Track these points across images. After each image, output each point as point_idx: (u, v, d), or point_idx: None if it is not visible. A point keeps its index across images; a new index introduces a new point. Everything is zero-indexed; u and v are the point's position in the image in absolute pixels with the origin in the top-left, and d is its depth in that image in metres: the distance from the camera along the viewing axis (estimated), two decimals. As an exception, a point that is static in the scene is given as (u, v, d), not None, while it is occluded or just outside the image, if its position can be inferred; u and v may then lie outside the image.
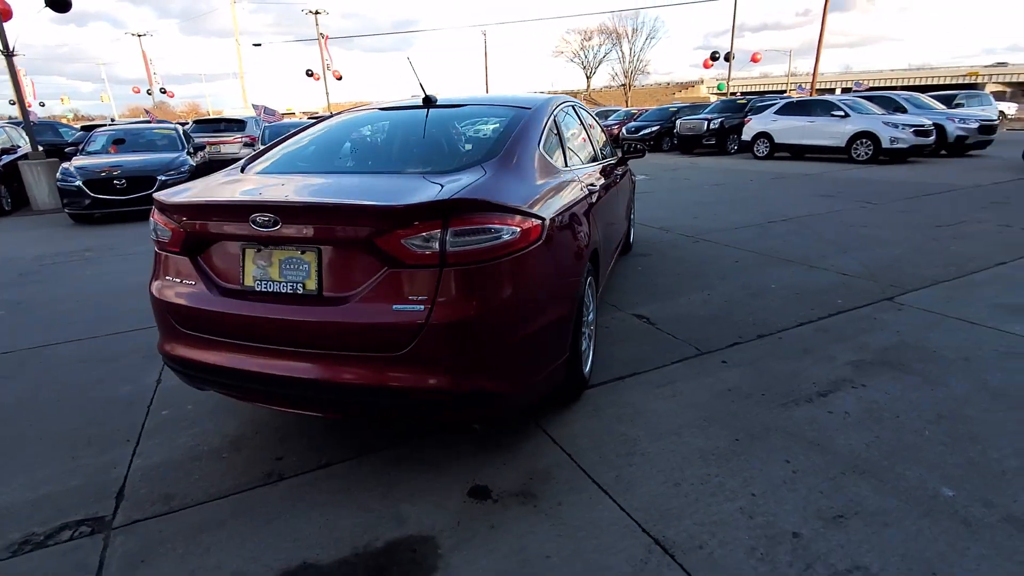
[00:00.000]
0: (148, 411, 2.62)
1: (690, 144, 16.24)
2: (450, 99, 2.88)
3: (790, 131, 13.25)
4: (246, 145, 13.52)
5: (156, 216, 2.11)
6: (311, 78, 29.69)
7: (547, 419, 2.40)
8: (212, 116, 23.79)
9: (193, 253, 2.02)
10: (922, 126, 11.58)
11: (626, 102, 50.81)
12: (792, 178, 10.14)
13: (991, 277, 4.13)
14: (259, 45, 78.39)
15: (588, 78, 63.71)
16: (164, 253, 2.11)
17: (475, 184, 1.92)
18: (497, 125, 2.58)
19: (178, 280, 2.06)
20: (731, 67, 22.00)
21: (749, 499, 1.88)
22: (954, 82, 47.68)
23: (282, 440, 2.36)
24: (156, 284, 2.14)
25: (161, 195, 2.07)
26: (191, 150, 9.78)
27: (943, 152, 12.66)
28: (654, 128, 17.44)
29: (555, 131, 2.73)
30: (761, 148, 13.91)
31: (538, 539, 1.76)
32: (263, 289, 1.91)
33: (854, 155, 12.03)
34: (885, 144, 11.54)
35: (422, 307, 1.73)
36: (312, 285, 1.85)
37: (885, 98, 13.66)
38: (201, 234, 1.98)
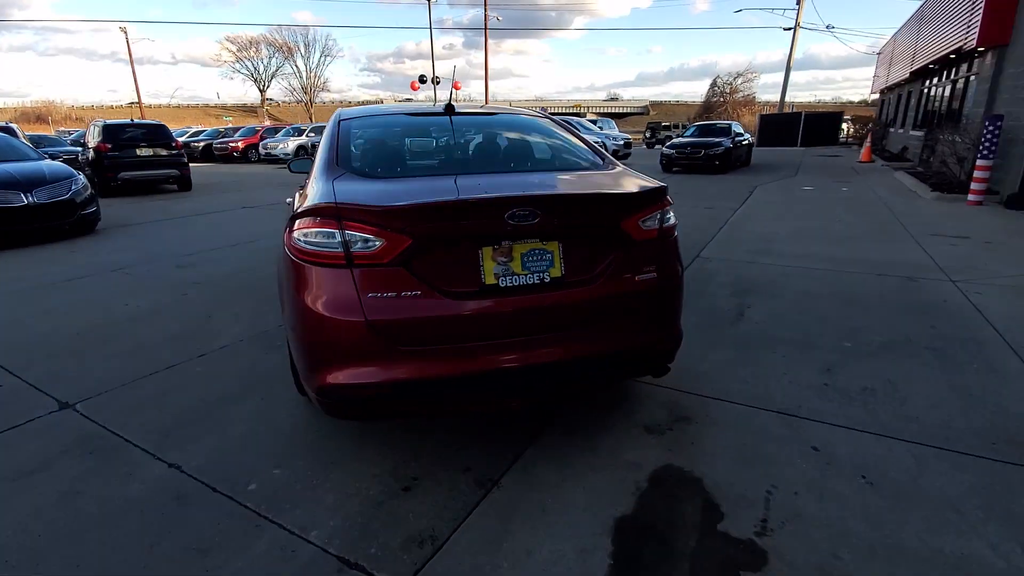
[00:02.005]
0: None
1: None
2: (465, 107, 3.02)
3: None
4: None
5: (358, 227, 1.78)
6: None
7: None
8: None
9: (409, 261, 1.81)
10: (626, 139, 15.59)
11: (310, 117, 49.25)
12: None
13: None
14: None
15: (262, 91, 58.99)
16: (366, 267, 1.81)
17: (647, 177, 2.34)
18: (549, 129, 2.92)
19: (392, 294, 1.80)
20: (435, 90, 24.36)
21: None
22: (565, 111, 63.75)
23: (419, 456, 2.23)
24: (348, 303, 1.80)
25: (368, 202, 1.79)
26: None
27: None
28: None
29: None
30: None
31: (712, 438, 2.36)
32: (507, 284, 1.90)
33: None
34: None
35: (654, 274, 2.10)
36: (557, 272, 1.96)
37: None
38: (431, 238, 1.81)
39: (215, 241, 6.56)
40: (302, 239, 1.89)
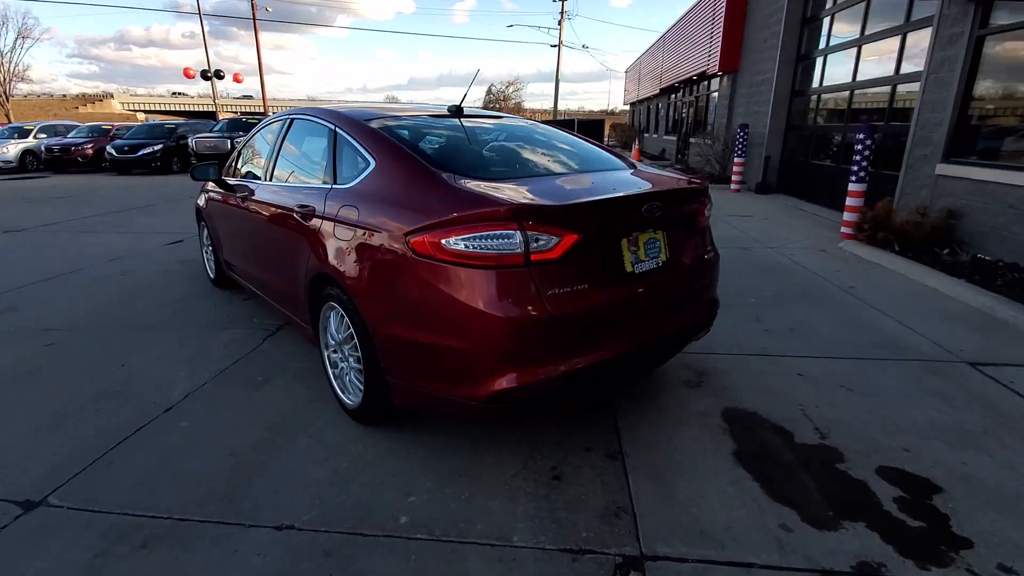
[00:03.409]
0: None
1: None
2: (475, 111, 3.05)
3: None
4: None
5: (535, 227, 1.77)
6: None
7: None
8: None
9: (574, 256, 1.88)
10: None
11: (8, 117, 37.47)
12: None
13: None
14: None
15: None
16: (542, 265, 1.82)
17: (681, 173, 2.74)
18: (567, 135, 3.11)
19: (566, 288, 1.86)
20: (214, 85, 20.93)
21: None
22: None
23: (536, 449, 2.32)
24: (532, 301, 1.80)
25: (545, 202, 1.78)
26: None
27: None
28: (156, 147, 15.01)
29: None
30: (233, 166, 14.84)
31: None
32: (639, 271, 2.12)
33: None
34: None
35: (713, 253, 2.54)
36: (664, 257, 2.25)
37: None
38: (590, 233, 1.91)
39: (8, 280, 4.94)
40: (466, 243, 1.81)
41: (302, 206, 2.59)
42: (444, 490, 2.06)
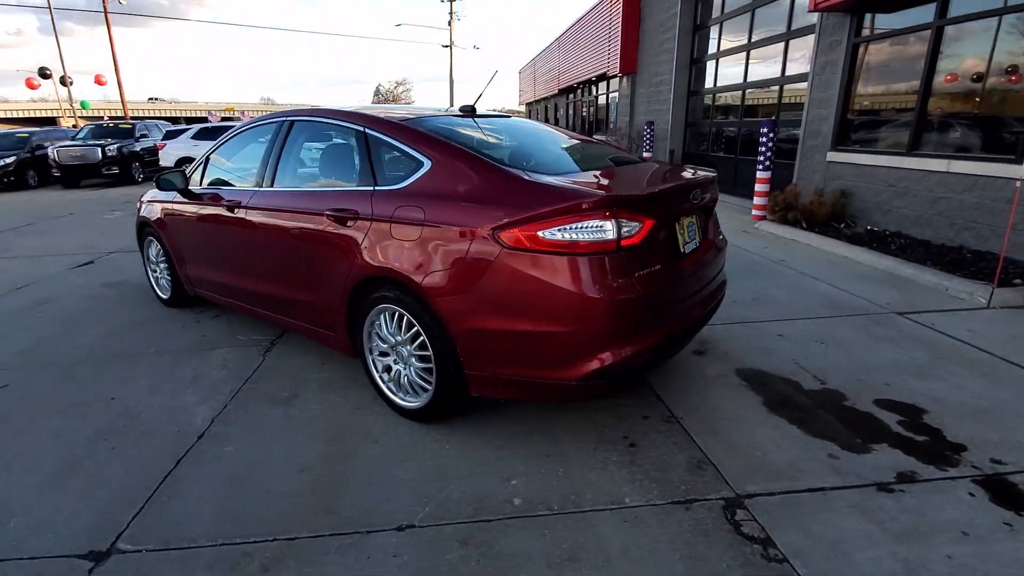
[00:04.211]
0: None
1: (78, 175, 13.25)
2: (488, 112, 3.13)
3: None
4: None
5: (624, 214, 1.92)
6: None
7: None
8: None
9: (649, 240, 2.07)
10: None
11: None
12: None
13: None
14: None
15: None
16: (629, 250, 1.98)
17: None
18: (565, 132, 3.27)
19: (647, 270, 2.05)
20: (69, 89, 17.99)
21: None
22: (220, 112, 57.21)
23: (599, 425, 2.51)
24: (626, 284, 1.96)
25: (630, 192, 1.93)
26: None
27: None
28: (8, 160, 12.82)
29: None
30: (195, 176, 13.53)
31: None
32: (687, 251, 2.36)
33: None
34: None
35: (722, 235, 2.87)
36: (699, 238, 2.52)
37: None
38: (660, 218, 2.11)
39: None
40: (563, 233, 1.93)
41: (338, 210, 2.52)
42: (539, 471, 2.16)
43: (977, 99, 5.07)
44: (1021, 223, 4.41)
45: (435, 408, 2.40)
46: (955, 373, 2.94)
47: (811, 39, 7.04)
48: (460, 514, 1.93)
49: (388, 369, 2.56)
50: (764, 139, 7.00)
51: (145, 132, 14.45)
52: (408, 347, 2.41)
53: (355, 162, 2.62)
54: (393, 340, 2.47)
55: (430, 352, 2.29)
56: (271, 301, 3.10)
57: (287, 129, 3.00)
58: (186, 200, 3.58)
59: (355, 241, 2.44)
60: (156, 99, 59.46)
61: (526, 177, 2.13)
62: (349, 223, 2.47)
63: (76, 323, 3.89)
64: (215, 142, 3.63)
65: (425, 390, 2.42)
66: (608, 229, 1.96)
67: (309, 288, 2.77)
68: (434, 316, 2.21)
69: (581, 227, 1.94)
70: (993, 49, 4.86)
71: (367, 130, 2.59)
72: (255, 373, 3.06)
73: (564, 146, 2.96)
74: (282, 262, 2.90)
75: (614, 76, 13.97)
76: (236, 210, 3.11)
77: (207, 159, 3.60)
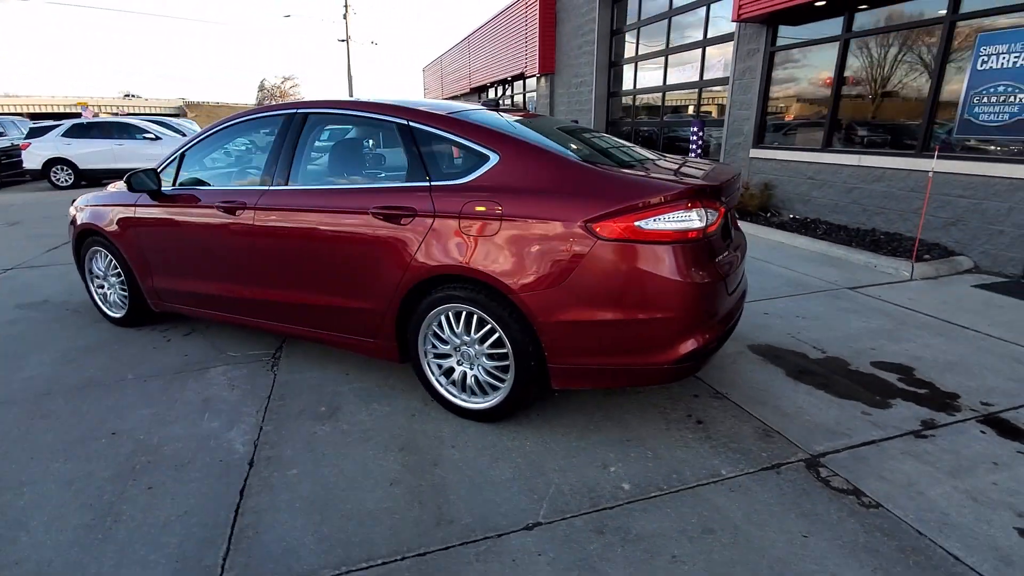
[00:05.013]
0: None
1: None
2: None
3: (97, 156, 11.90)
4: None
5: (706, 203, 2.02)
6: None
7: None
8: None
9: (719, 227, 2.20)
10: None
11: None
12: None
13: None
14: None
15: None
16: (707, 238, 2.08)
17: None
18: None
19: (722, 255, 2.19)
20: None
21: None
22: (64, 109, 50.01)
23: (660, 407, 2.63)
24: (713, 268, 2.07)
25: (710, 183, 2.03)
26: None
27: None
28: None
29: None
30: (63, 176, 11.74)
31: None
32: (733, 238, 2.54)
33: (181, 175, 12.65)
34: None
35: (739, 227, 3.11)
36: (732, 227, 2.71)
37: (129, 125, 13.50)
38: (727, 207, 2.24)
39: None
40: (658, 223, 1.99)
41: (388, 208, 2.38)
42: (629, 455, 2.22)
43: (882, 103, 5.91)
44: (920, 208, 5.23)
45: (507, 407, 2.36)
46: (918, 335, 3.44)
47: (728, 46, 7.75)
48: (579, 506, 1.93)
49: (449, 372, 2.48)
50: (694, 137, 7.58)
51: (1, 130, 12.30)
52: (476, 346, 2.35)
53: (401, 157, 2.49)
54: (458, 340, 2.39)
55: (506, 349, 2.26)
56: (285, 310, 2.84)
57: (300, 122, 2.76)
58: (158, 203, 3.15)
59: (412, 239, 2.33)
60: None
61: (607, 171, 2.18)
62: (404, 221, 2.35)
63: (12, 353, 3.27)
64: (190, 138, 3.23)
65: (496, 388, 2.37)
66: (696, 218, 2.06)
67: (345, 292, 2.59)
68: (516, 311, 2.18)
69: (675, 217, 2.03)
70: (897, 60, 5.69)
71: (412, 123, 2.47)
72: (274, 390, 2.79)
73: (602, 140, 3.03)
74: (306, 267, 2.67)
75: (532, 76, 14.28)
76: (239, 212, 2.80)
77: (181, 157, 3.19)
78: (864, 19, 5.87)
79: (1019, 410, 2.55)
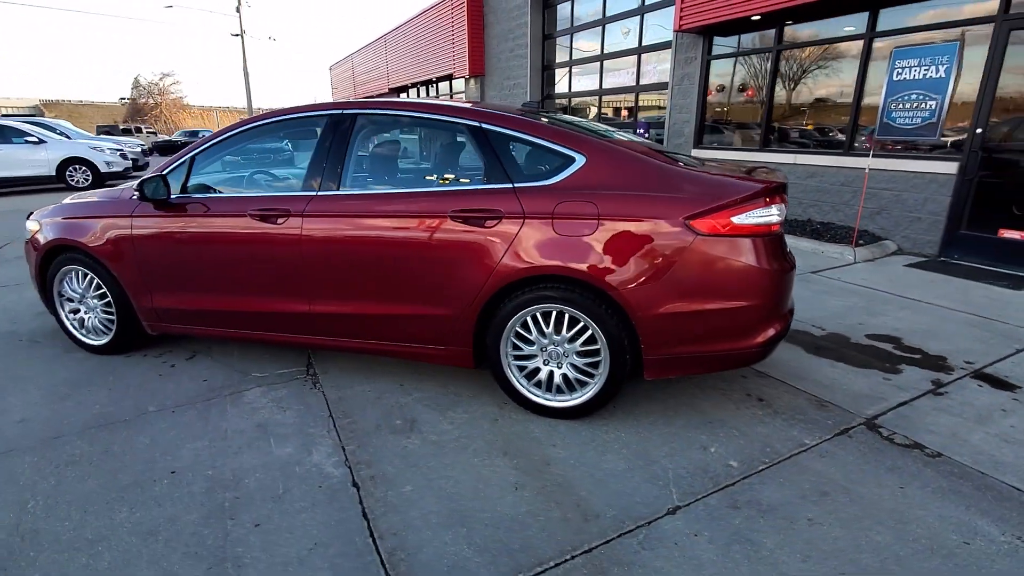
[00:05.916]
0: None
1: None
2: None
3: (-35, 161, 10.15)
4: None
5: (782, 199, 2.21)
6: None
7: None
8: None
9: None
10: (121, 150, 12.23)
11: None
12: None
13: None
14: None
15: None
16: (782, 231, 2.28)
17: None
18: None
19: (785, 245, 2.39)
20: None
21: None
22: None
23: (721, 389, 2.83)
24: (788, 259, 2.28)
25: (781, 180, 2.23)
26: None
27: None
28: None
29: None
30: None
31: None
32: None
33: (71, 182, 11.16)
34: (103, 169, 11.46)
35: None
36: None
37: (5, 127, 11.61)
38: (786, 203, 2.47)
39: None
40: (749, 219, 2.16)
41: (470, 211, 2.34)
42: (718, 435, 2.38)
43: (812, 107, 6.66)
44: (853, 200, 5.98)
45: (597, 402, 2.42)
46: (887, 309, 3.96)
47: (665, 53, 8.30)
48: (704, 486, 2.05)
49: (533, 373, 2.49)
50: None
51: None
52: (566, 345, 2.39)
53: (476, 159, 2.45)
54: (545, 340, 2.41)
55: (599, 345, 2.32)
56: (333, 322, 2.67)
57: (349, 124, 2.61)
58: (164, 213, 2.82)
59: (497, 242, 2.32)
60: None
61: (691, 170, 2.31)
62: (488, 223, 2.33)
63: (-25, 395, 2.76)
64: (200, 142, 2.91)
65: (584, 385, 2.42)
66: (776, 212, 2.26)
67: (415, 299, 2.50)
68: (615, 307, 2.25)
69: (761, 212, 2.21)
70: (823, 70, 6.43)
71: (485, 125, 2.45)
72: (332, 408, 2.62)
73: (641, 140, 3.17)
74: (366, 276, 2.54)
75: (461, 77, 14.24)
76: (281, 220, 2.60)
77: (191, 161, 2.88)
78: (793, 32, 6.58)
79: (995, 365, 3.05)
